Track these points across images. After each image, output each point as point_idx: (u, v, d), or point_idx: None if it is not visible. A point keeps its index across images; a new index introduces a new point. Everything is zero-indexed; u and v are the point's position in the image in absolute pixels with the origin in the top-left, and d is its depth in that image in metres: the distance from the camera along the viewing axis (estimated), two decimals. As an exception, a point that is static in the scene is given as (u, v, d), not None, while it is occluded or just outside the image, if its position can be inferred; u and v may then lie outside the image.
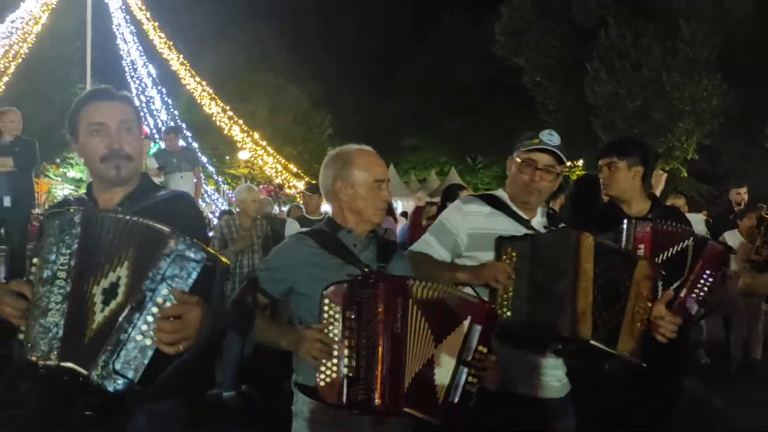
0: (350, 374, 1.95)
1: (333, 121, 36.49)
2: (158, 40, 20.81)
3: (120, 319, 1.57)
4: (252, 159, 27.29)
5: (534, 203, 2.60)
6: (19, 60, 18.59)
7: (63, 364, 1.57)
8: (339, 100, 38.34)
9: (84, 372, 1.56)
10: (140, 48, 21.85)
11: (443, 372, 2.04)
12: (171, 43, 21.09)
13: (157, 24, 20.88)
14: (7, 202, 6.75)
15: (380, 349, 1.95)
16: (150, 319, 1.55)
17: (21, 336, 1.65)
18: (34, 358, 1.57)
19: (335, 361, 1.97)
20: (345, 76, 39.59)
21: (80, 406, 1.75)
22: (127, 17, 21.31)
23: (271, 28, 36.30)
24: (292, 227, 6.37)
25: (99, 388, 1.55)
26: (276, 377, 4.22)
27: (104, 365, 1.53)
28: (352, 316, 1.98)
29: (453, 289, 2.15)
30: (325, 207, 8.15)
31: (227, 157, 31.89)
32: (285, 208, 10.94)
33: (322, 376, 1.98)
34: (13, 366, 1.73)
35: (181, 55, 21.41)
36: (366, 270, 2.18)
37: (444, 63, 36.99)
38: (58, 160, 27.65)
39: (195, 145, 22.51)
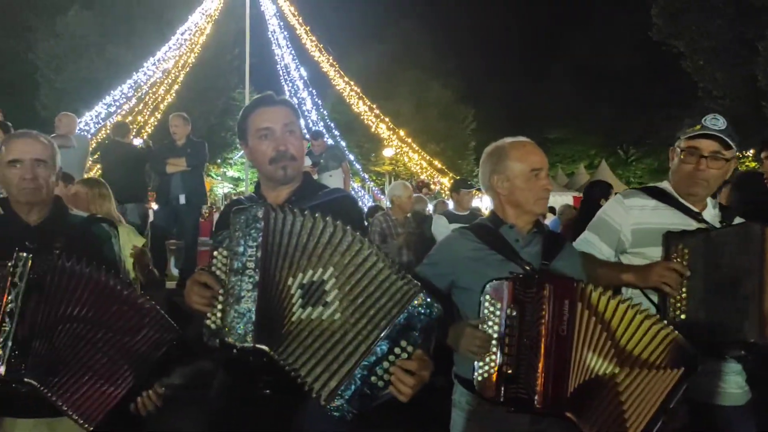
0: (509, 372, 1.94)
1: (477, 115, 36.12)
2: (309, 43, 21.80)
3: (348, 346, 1.68)
4: (396, 156, 27.74)
5: (702, 194, 2.41)
6: (187, 69, 20.32)
7: (258, 346, 1.69)
8: (483, 93, 37.91)
9: (269, 352, 1.69)
10: (293, 52, 23.01)
11: (638, 409, 1.96)
12: (321, 45, 22.03)
13: (308, 28, 21.87)
14: (182, 199, 7.32)
15: (542, 350, 1.92)
16: (386, 365, 1.67)
17: (208, 322, 1.80)
18: (231, 341, 1.69)
19: (493, 357, 1.97)
20: (489, 69, 39.12)
21: (260, 386, 1.90)
22: (281, 23, 22.52)
23: (416, 26, 36.63)
24: (440, 223, 6.43)
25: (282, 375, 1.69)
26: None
27: (339, 395, 1.66)
28: (514, 314, 1.96)
29: (667, 328, 2.01)
30: (476, 203, 8.08)
31: (372, 155, 32.72)
32: (430, 206, 11.02)
33: (480, 371, 1.99)
34: (202, 348, 1.84)
35: (330, 57, 22.29)
36: (527, 268, 2.14)
37: (595, 50, 35.36)
38: (219, 161, 29.87)
39: (342, 143, 23.31)
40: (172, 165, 7.35)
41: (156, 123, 19.18)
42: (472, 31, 39.46)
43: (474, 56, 38.89)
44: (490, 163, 2.33)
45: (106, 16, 24.20)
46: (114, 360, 2.01)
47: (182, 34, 20.00)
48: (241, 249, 1.74)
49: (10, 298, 1.94)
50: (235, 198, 2.72)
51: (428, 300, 1.66)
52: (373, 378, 1.66)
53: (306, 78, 23.77)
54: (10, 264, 1.99)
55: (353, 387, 1.65)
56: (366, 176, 30.13)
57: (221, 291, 1.78)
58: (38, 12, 24.56)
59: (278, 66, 23.42)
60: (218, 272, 1.82)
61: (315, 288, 1.72)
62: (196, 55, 20.42)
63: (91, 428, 1.98)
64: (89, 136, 14.08)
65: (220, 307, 1.78)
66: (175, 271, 8.27)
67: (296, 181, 2.15)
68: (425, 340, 1.68)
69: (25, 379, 1.95)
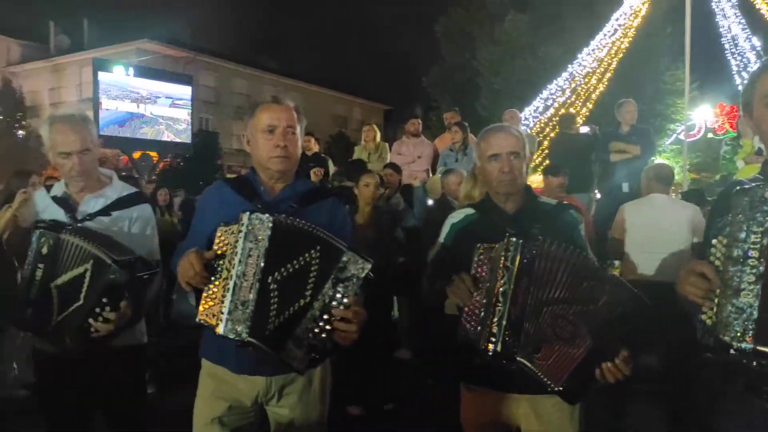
0: None
1: None
2: (765, 8, 18.80)
3: None
4: None
5: None
6: (620, 55, 19.79)
7: (759, 348, 1.49)
8: None
9: None
10: (742, 21, 20.20)
11: None
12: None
13: (765, -10, 18.84)
14: (625, 188, 7.08)
15: None
16: None
17: (704, 317, 1.64)
18: (725, 339, 1.53)
19: None
20: None
21: (764, 396, 1.68)
22: (730, -9, 19.96)
23: None
24: None
25: None
26: None
27: None
28: None
29: None
30: None
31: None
32: None
33: None
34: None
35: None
36: None
37: None
38: (649, 149, 28.31)
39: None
40: (616, 153, 7.19)
41: (587, 113, 19.24)
42: None
43: None
44: None
45: (538, 18, 25.33)
46: (577, 326, 2.05)
47: (617, 19, 19.56)
48: (742, 235, 1.55)
49: (503, 280, 2.05)
50: (737, 179, 2.41)
51: None
52: None
53: (759, 48, 20.52)
54: (496, 246, 2.14)
55: None
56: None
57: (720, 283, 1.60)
58: (481, 23, 27.19)
59: (723, 39, 20.83)
60: (717, 262, 1.63)
61: None
62: (629, 40, 19.72)
63: (558, 389, 2.05)
64: (527, 129, 14.94)
65: (716, 300, 1.60)
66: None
67: None
68: None
69: (518, 358, 2.05)
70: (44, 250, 2.40)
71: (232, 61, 38.35)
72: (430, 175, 8.00)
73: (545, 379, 2.05)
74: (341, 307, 1.97)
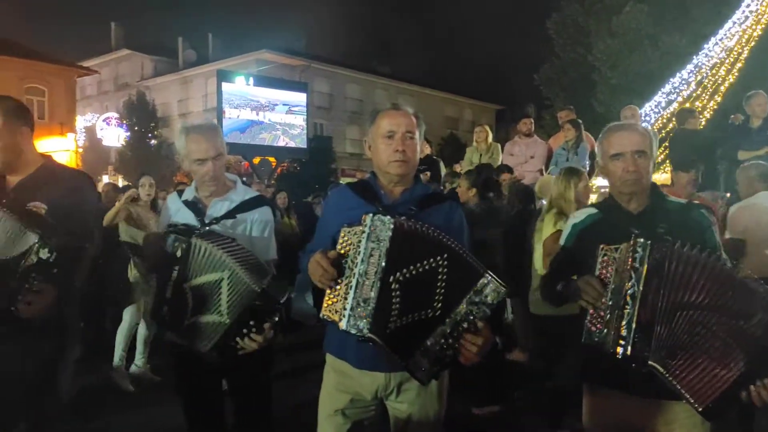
0: None
1: None
2: None
3: None
4: None
5: None
6: (752, 43, 18.32)
7: None
8: None
9: None
10: None
11: None
12: None
13: None
14: (759, 188, 6.58)
15: None
16: None
17: None
18: None
19: None
20: None
21: None
22: None
23: None
24: None
25: None
26: None
27: None
28: None
29: None
30: None
31: None
32: None
33: None
34: None
35: None
36: None
37: None
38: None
39: None
40: (745, 151, 6.72)
41: (715, 107, 17.99)
42: None
43: None
44: None
45: (659, 7, 24.06)
46: (727, 343, 1.94)
47: (747, 6, 18.11)
48: None
49: (631, 282, 2.01)
50: None
51: None
52: None
53: None
54: (621, 247, 2.09)
55: None
56: None
57: None
58: (597, 16, 26.22)
59: None
60: None
61: None
62: (763, 26, 18.21)
63: (701, 409, 1.96)
64: (648, 126, 14.20)
65: None
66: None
67: None
68: None
69: (649, 362, 2.00)
70: (178, 254, 2.58)
71: (345, 67, 39.23)
72: (544, 175, 7.84)
73: (687, 395, 1.97)
74: (472, 329, 2.01)
